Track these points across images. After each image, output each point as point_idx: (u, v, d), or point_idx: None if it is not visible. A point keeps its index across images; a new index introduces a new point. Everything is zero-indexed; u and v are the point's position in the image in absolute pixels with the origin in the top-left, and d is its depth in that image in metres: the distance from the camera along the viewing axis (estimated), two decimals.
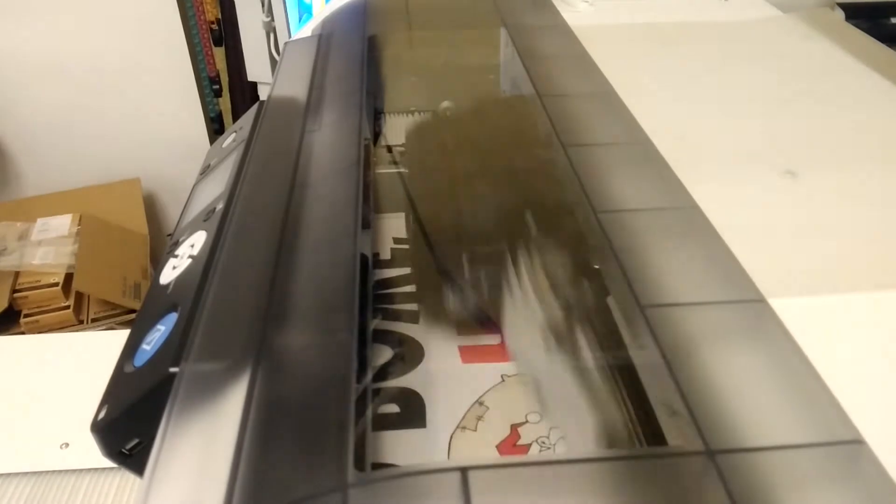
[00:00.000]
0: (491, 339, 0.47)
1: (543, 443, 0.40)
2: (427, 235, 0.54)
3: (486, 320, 0.48)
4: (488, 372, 0.44)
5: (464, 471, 0.26)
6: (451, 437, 0.40)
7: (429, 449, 0.39)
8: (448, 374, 0.44)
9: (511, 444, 0.40)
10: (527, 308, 0.47)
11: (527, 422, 0.41)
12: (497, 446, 0.40)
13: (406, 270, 0.53)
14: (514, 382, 0.43)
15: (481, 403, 0.42)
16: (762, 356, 0.31)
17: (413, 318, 0.48)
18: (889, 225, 0.40)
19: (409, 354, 0.45)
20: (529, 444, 0.40)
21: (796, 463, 0.27)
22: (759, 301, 0.34)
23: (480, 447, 0.39)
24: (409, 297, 0.51)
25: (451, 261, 0.52)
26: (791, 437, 0.28)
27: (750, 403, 0.29)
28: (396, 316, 0.49)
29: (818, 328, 0.32)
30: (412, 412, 0.41)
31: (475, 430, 0.40)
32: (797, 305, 0.33)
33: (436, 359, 0.45)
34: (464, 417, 0.41)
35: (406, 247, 0.55)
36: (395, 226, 0.58)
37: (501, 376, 0.44)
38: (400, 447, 0.39)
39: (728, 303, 0.34)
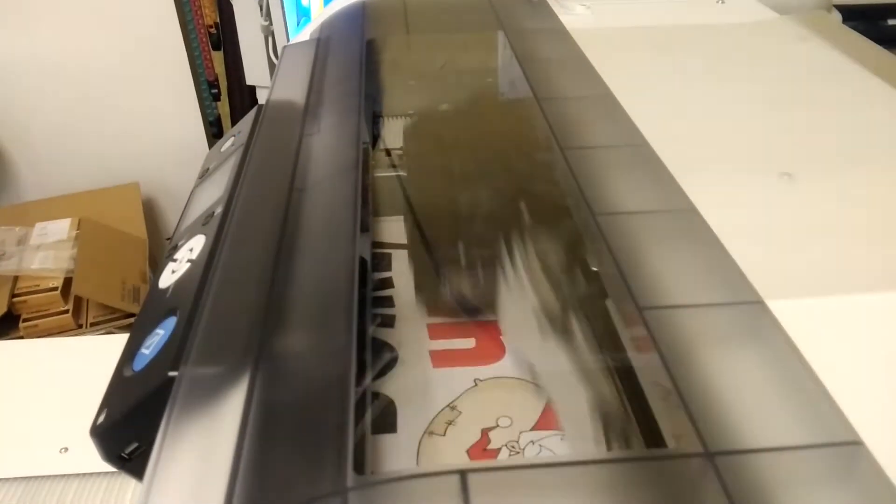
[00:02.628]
0: (463, 344, 0.47)
1: (513, 447, 0.40)
2: (423, 232, 0.54)
3: (479, 311, 0.48)
4: (462, 376, 0.44)
5: (463, 473, 0.26)
6: (420, 443, 0.40)
7: (398, 454, 0.39)
8: (421, 378, 0.44)
9: (481, 448, 0.40)
10: (522, 298, 0.46)
11: (497, 426, 0.41)
12: (467, 451, 0.40)
13: (384, 274, 0.53)
14: (487, 386, 0.43)
15: (453, 408, 0.42)
16: (760, 358, 0.31)
17: (388, 322, 0.48)
18: (886, 226, 0.40)
19: (383, 358, 0.45)
20: (499, 449, 0.40)
21: (795, 464, 0.27)
22: (757, 303, 0.34)
23: (449, 452, 0.39)
24: (385, 302, 0.50)
25: (449, 254, 0.52)
26: (789, 438, 0.28)
27: (748, 405, 0.29)
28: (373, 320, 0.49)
29: (816, 329, 0.33)
30: (384, 417, 0.41)
31: (444, 435, 0.40)
32: (795, 307, 0.33)
33: (409, 363, 0.45)
34: (433, 422, 0.41)
35: (386, 251, 0.55)
36: (393, 229, 0.58)
37: (475, 380, 0.44)
38: (370, 452, 0.39)
39: (726, 305, 0.34)
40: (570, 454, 0.39)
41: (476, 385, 0.44)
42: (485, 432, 0.40)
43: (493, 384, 0.44)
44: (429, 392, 0.43)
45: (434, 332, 0.48)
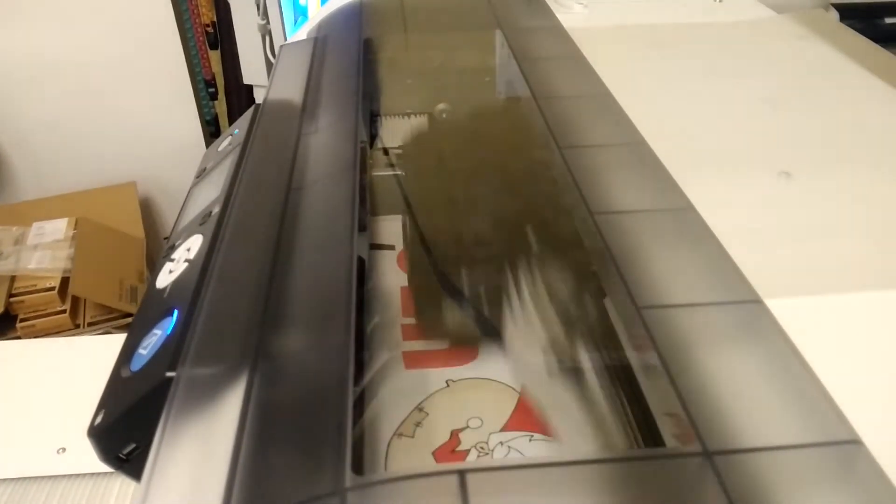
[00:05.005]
0: (436, 345, 0.47)
1: (482, 448, 0.40)
2: (426, 243, 0.54)
3: (484, 334, 0.47)
4: (433, 377, 0.44)
5: (462, 473, 0.26)
6: (389, 445, 0.39)
7: (367, 457, 0.39)
8: (392, 380, 0.44)
9: (449, 450, 0.39)
10: (528, 323, 0.45)
11: (468, 427, 0.41)
12: (434, 452, 0.39)
13: None
14: (458, 388, 0.43)
15: (421, 409, 0.42)
16: (759, 357, 0.31)
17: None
18: (884, 225, 0.40)
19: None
20: (468, 450, 0.40)
21: (794, 463, 0.27)
22: (756, 302, 0.34)
23: (417, 454, 0.39)
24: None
25: (451, 271, 0.50)
26: (788, 437, 0.28)
27: (747, 404, 0.29)
28: None
29: (814, 328, 0.33)
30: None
31: (412, 437, 0.40)
32: (793, 306, 0.33)
33: (381, 364, 0.45)
34: (402, 424, 0.41)
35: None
36: (390, 228, 0.58)
37: (447, 381, 0.44)
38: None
39: (724, 304, 0.34)
40: (569, 453, 0.39)
41: (448, 386, 0.43)
42: (455, 433, 0.40)
43: (465, 385, 0.44)
44: (400, 394, 0.43)
45: (407, 333, 0.48)
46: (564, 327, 0.43)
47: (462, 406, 0.42)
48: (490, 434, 0.40)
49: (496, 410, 0.42)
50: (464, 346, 0.47)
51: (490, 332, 0.47)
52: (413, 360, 0.45)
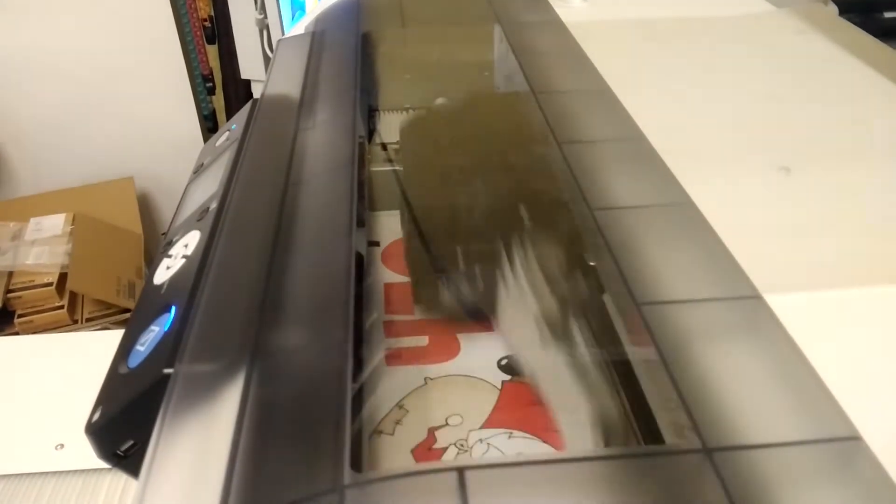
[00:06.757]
0: (417, 342, 0.47)
1: (462, 446, 0.39)
2: (421, 231, 0.54)
3: (481, 313, 0.48)
4: (412, 374, 0.44)
5: (461, 471, 0.26)
6: (368, 441, 0.39)
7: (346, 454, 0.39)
8: (372, 375, 0.44)
9: (426, 448, 0.39)
10: (522, 300, 0.46)
11: (447, 424, 0.41)
12: (412, 450, 0.39)
13: None
14: (439, 385, 0.43)
15: (401, 407, 0.42)
16: (758, 353, 0.31)
17: None
18: (884, 219, 0.40)
19: None
20: (446, 448, 0.39)
21: (793, 460, 0.27)
22: (755, 297, 0.34)
23: (396, 451, 0.39)
24: None
25: (447, 255, 0.51)
26: (788, 434, 0.27)
27: (746, 400, 0.29)
28: None
29: (814, 324, 0.32)
30: None
31: (392, 434, 0.40)
32: (793, 301, 0.33)
33: (363, 361, 0.44)
34: (381, 421, 0.41)
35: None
36: (389, 224, 0.58)
37: (424, 379, 0.44)
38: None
39: (724, 299, 0.34)
40: (568, 451, 0.39)
41: (426, 383, 0.43)
42: (431, 431, 0.40)
43: (445, 382, 0.44)
44: (380, 390, 0.42)
45: (388, 330, 0.48)
46: (561, 315, 0.44)
47: (442, 403, 0.42)
48: (469, 431, 0.40)
49: (476, 408, 0.41)
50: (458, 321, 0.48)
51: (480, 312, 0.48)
52: (394, 356, 0.45)
